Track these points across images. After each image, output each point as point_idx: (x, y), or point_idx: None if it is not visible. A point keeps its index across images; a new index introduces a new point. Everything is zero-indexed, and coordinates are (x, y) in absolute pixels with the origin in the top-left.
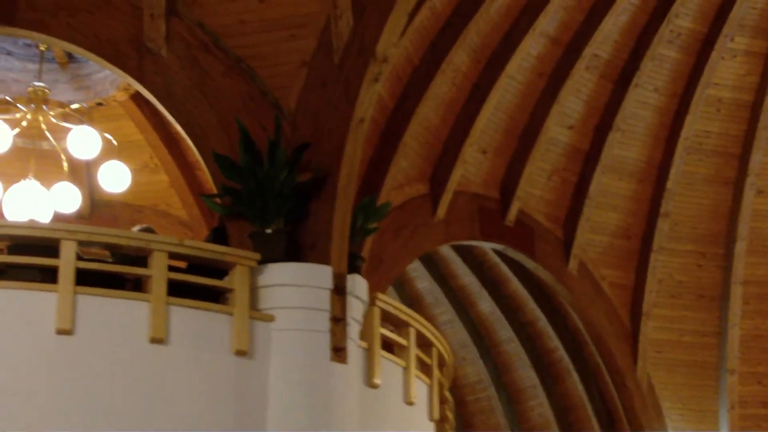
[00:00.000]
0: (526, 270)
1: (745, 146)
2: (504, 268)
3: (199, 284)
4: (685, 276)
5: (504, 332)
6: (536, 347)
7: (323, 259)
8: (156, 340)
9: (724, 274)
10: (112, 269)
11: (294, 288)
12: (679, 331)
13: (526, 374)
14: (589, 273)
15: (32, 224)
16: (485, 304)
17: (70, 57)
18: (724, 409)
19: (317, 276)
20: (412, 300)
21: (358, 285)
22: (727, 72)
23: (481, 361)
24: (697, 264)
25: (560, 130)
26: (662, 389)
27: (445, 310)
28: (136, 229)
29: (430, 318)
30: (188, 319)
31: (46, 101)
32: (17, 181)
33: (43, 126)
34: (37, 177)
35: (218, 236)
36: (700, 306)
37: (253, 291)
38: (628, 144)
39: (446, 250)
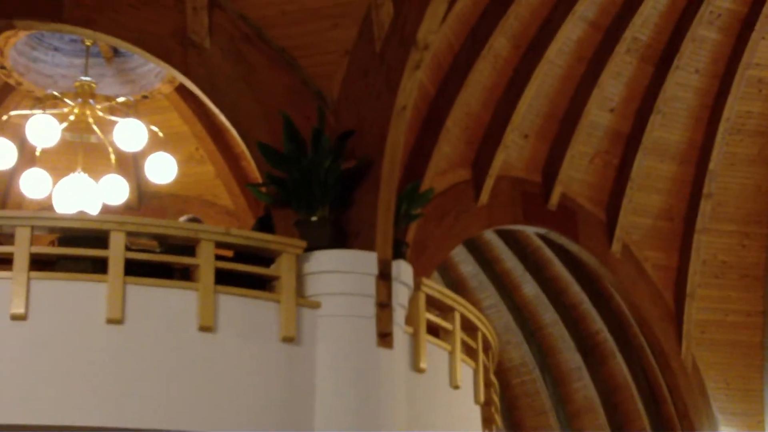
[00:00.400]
0: (570, 253)
1: None
2: (547, 252)
3: (246, 272)
4: (728, 256)
5: (548, 315)
6: (580, 330)
7: (368, 245)
8: (204, 329)
9: None
10: (160, 259)
11: (339, 274)
12: (723, 311)
13: (570, 357)
14: (633, 255)
15: (82, 216)
16: (529, 288)
17: (116, 51)
18: None
19: (362, 262)
20: (457, 285)
21: (403, 270)
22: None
23: (526, 345)
24: (740, 244)
25: (601, 113)
26: (707, 369)
27: (489, 295)
28: (182, 219)
29: (474, 302)
30: (236, 307)
31: (92, 95)
32: (66, 174)
33: (91, 120)
34: (85, 170)
35: (264, 225)
36: (744, 286)
37: (300, 278)
38: (669, 126)
39: (489, 235)
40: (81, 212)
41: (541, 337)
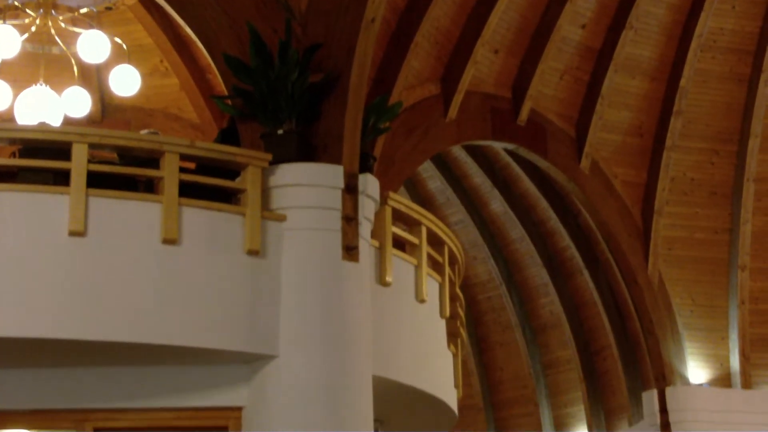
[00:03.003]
0: (538, 169)
1: (759, 43)
2: (516, 168)
3: (211, 185)
4: (697, 173)
5: (515, 231)
6: (548, 246)
7: (335, 158)
8: (168, 241)
9: (737, 171)
10: (123, 171)
11: (305, 188)
12: (690, 228)
13: (537, 273)
14: (602, 171)
15: (44, 127)
16: (497, 204)
17: None
18: (735, 305)
19: (329, 175)
20: (424, 200)
21: (369, 184)
22: None
23: (493, 260)
24: (709, 161)
25: (573, 29)
26: (673, 286)
27: (456, 210)
28: (143, 133)
29: (441, 218)
30: (200, 219)
31: (55, 6)
32: (28, 86)
33: (53, 31)
34: (47, 82)
35: (226, 137)
36: (712, 203)
37: (265, 191)
38: (641, 42)
39: (458, 151)
40: (43, 123)
41: (508, 253)
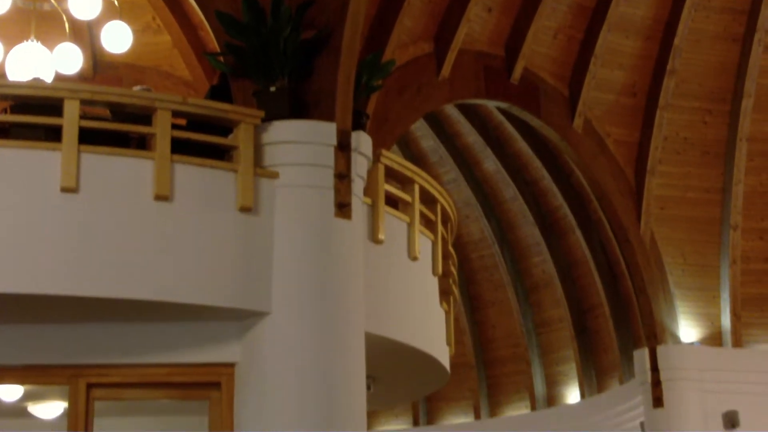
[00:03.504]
0: (531, 128)
1: (753, 3)
2: (509, 127)
3: (204, 142)
4: (690, 133)
5: (508, 190)
6: (540, 205)
7: (327, 115)
8: (160, 198)
9: (730, 130)
10: (115, 128)
11: (298, 145)
12: (683, 187)
13: (530, 232)
14: (594, 130)
15: (35, 83)
16: (490, 163)
17: None
18: (726, 265)
19: (321, 132)
20: (417, 159)
21: (362, 141)
22: None
23: (485, 219)
24: (702, 121)
25: None
26: (665, 245)
27: (449, 169)
28: (136, 89)
29: (434, 177)
30: (193, 176)
31: None
32: (19, 42)
33: None
34: (38, 38)
35: (216, 94)
36: (705, 162)
37: (257, 148)
38: (635, 1)
39: (451, 110)
40: (35, 79)
41: (500, 212)
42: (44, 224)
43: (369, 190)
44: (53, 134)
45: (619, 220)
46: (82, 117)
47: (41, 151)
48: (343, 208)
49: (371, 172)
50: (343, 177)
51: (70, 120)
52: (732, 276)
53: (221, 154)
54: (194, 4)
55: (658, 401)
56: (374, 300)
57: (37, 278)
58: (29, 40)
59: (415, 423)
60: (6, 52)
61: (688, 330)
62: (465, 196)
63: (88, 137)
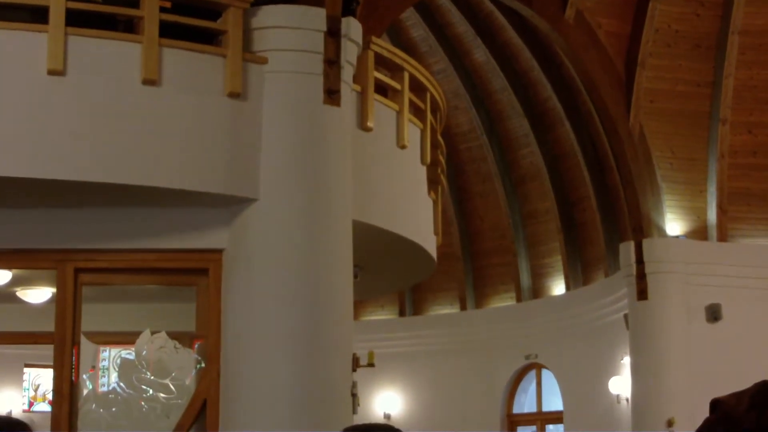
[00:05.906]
0: (522, 18)
1: None
2: (499, 17)
3: (192, 26)
4: (682, 25)
5: (498, 81)
6: (530, 96)
7: (317, 1)
8: (148, 82)
9: (722, 23)
10: (102, 9)
11: (287, 30)
12: (673, 80)
13: (518, 123)
14: (586, 21)
15: None
16: (480, 53)
17: None
18: (714, 158)
19: (311, 18)
20: (407, 49)
21: (352, 28)
22: None
23: (474, 110)
24: (695, 13)
25: None
26: (653, 138)
27: (439, 59)
28: None
29: (424, 67)
30: (181, 61)
31: None
32: None
33: None
34: None
35: None
36: (696, 56)
37: (247, 33)
38: None
39: None
40: None
41: (490, 103)
42: (30, 106)
43: (358, 78)
44: (40, 16)
45: (608, 112)
46: None
47: (28, 33)
48: (332, 94)
49: (361, 59)
50: (332, 63)
51: (57, 1)
52: (719, 170)
53: (210, 39)
54: None
55: (642, 294)
56: (362, 188)
57: (22, 161)
58: None
59: (401, 314)
60: None
61: (674, 223)
62: (454, 86)
63: (74, 18)
